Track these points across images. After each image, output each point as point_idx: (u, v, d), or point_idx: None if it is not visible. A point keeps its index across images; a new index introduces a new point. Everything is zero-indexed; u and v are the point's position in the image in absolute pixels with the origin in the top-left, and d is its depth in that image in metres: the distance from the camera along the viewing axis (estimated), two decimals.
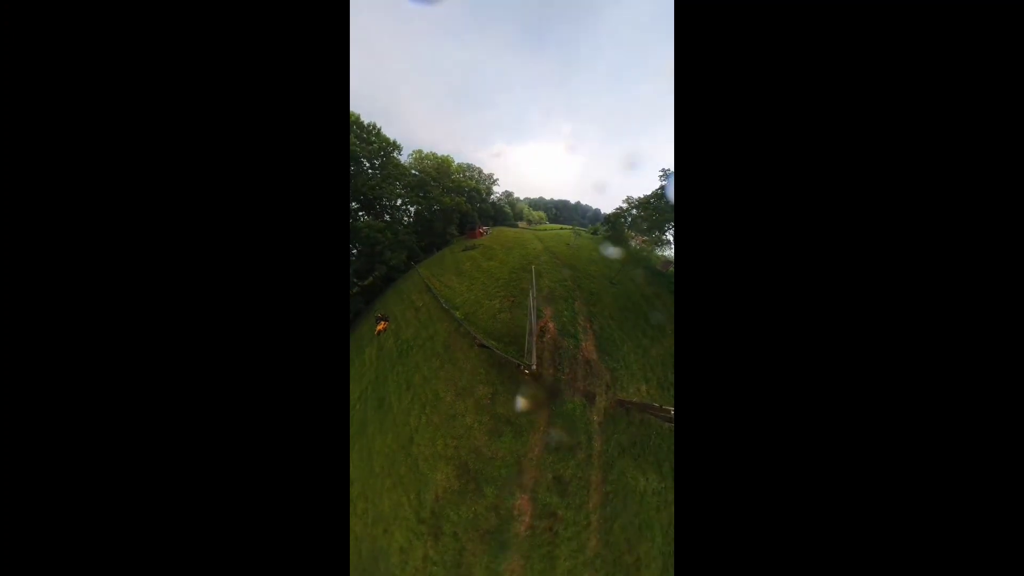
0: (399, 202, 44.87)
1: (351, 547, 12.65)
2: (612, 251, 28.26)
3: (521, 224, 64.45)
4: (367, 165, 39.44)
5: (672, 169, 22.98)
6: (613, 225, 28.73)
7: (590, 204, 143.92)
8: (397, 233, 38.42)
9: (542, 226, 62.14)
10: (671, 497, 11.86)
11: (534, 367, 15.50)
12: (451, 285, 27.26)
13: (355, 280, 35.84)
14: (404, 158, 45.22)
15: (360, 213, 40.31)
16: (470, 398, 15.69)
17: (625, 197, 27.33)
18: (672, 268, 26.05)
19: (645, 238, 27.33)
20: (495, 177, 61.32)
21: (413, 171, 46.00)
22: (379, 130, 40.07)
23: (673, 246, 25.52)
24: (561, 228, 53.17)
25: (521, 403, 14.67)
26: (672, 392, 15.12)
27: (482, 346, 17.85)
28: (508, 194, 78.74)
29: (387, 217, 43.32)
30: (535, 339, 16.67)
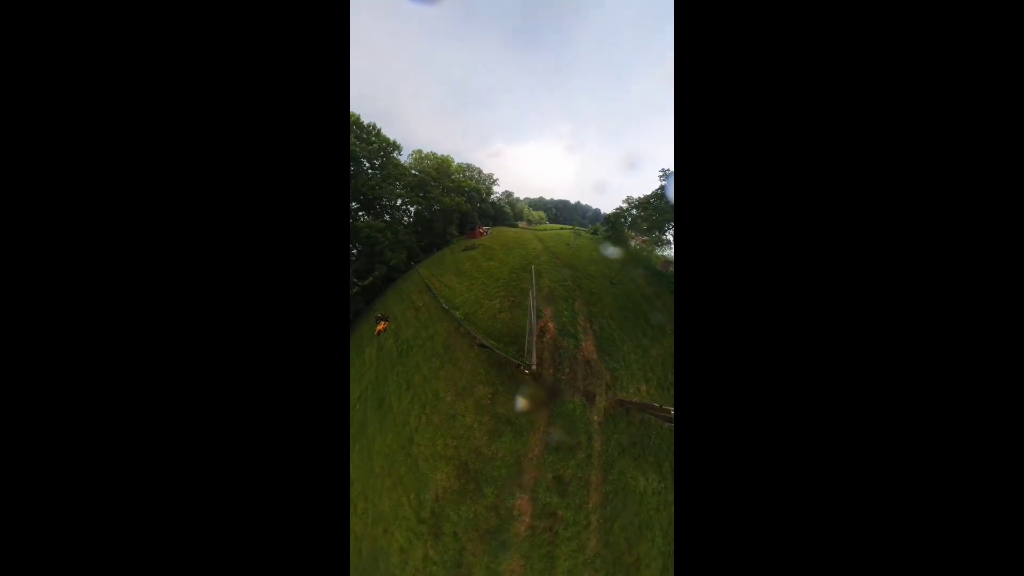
0: (399, 202, 44.85)
1: (351, 547, 12.66)
2: (612, 251, 28.26)
3: (521, 224, 64.36)
4: (367, 165, 39.43)
5: (672, 169, 23.01)
6: (613, 225, 28.76)
7: (590, 204, 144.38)
8: (397, 233, 38.40)
9: (542, 226, 62.07)
10: (671, 497, 11.86)
11: (534, 367, 15.49)
12: (451, 285, 27.26)
13: (355, 280, 35.86)
14: (404, 158, 45.27)
15: (360, 213, 40.30)
16: (470, 398, 15.69)
17: (625, 197, 27.47)
18: (672, 268, 26.04)
19: (645, 238, 27.37)
20: (495, 177, 61.35)
21: (413, 171, 45.96)
22: (379, 130, 40.06)
23: (673, 246, 25.56)
24: (561, 228, 53.10)
25: (521, 403, 14.67)
26: (672, 392, 15.11)
27: (482, 346, 17.84)
28: (508, 194, 78.68)
29: (387, 217, 43.30)
30: (535, 339, 16.67)
